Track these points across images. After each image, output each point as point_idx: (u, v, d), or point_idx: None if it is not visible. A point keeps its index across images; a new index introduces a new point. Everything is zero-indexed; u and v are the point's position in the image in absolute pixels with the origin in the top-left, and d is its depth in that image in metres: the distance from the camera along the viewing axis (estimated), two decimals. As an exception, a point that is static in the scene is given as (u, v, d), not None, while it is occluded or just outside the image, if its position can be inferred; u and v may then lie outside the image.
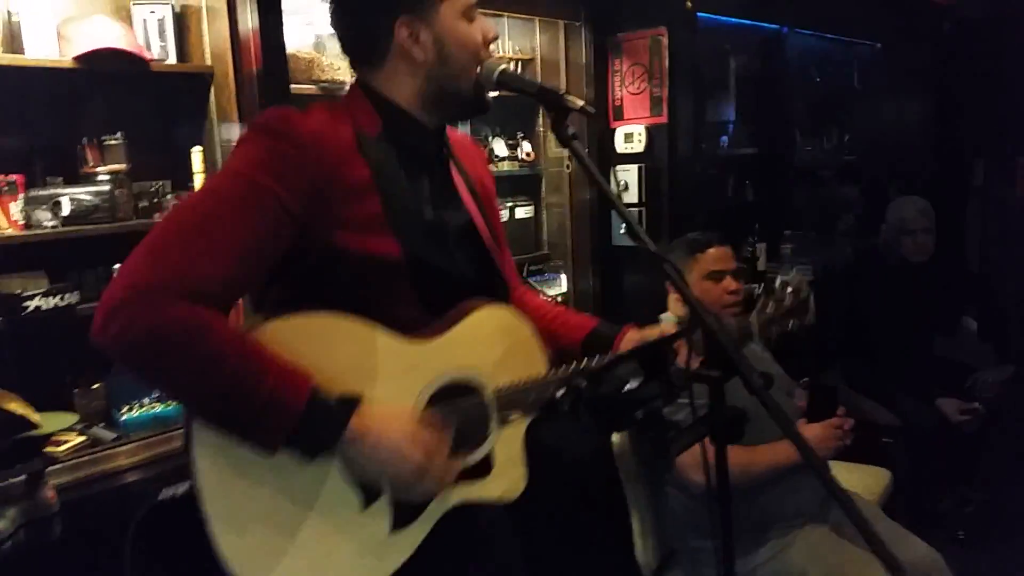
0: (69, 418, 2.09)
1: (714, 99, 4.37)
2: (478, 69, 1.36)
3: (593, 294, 3.58)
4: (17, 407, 1.89)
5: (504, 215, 3.46)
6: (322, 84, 2.63)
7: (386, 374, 1.23)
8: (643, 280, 3.49)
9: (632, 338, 1.43)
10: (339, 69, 2.65)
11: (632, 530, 2.25)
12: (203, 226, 1.13)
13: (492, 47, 1.41)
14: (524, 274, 3.56)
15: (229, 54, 2.36)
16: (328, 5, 1.39)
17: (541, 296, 1.72)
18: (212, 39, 2.43)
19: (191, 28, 2.46)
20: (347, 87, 1.41)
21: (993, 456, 3.68)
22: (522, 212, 3.57)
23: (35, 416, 1.93)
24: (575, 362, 1.36)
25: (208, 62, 2.44)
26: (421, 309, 1.30)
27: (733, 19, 4.01)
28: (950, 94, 5.50)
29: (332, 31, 1.39)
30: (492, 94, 1.40)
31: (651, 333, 1.41)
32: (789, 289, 1.71)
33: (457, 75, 1.34)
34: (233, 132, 2.41)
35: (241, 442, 1.13)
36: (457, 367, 1.30)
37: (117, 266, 2.28)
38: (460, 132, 1.57)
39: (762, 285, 1.83)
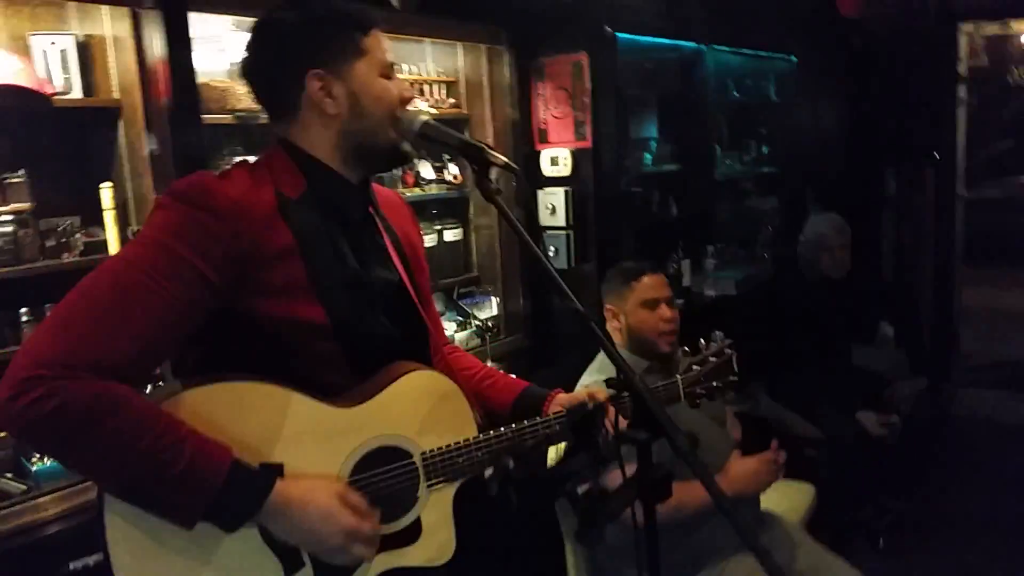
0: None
1: (636, 117, 4.43)
2: (397, 123, 1.35)
3: (523, 316, 3.57)
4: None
5: (432, 238, 3.43)
6: (237, 113, 2.55)
7: (310, 440, 1.22)
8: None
9: (561, 401, 1.45)
10: (256, 98, 2.57)
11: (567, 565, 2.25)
12: (115, 298, 1.10)
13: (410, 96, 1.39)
14: (454, 297, 3.53)
15: (137, 85, 2.27)
16: (241, 54, 1.35)
17: (469, 355, 1.73)
18: (119, 70, 2.33)
19: (96, 59, 2.36)
20: (262, 117, 1.38)
21: (909, 465, 3.84)
22: (450, 235, 3.54)
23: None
24: (503, 427, 1.38)
25: (116, 95, 2.34)
26: (349, 372, 1.29)
27: (653, 38, 4.06)
28: (861, 105, 5.70)
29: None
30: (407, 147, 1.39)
31: (579, 397, 1.43)
32: (712, 352, 1.80)
33: (373, 130, 1.33)
34: (142, 167, 2.32)
35: (158, 517, 1.09)
36: (384, 432, 1.29)
37: (24, 310, 2.17)
38: (386, 188, 1.55)
39: (687, 350, 1.88)
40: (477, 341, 3.39)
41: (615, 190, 3.50)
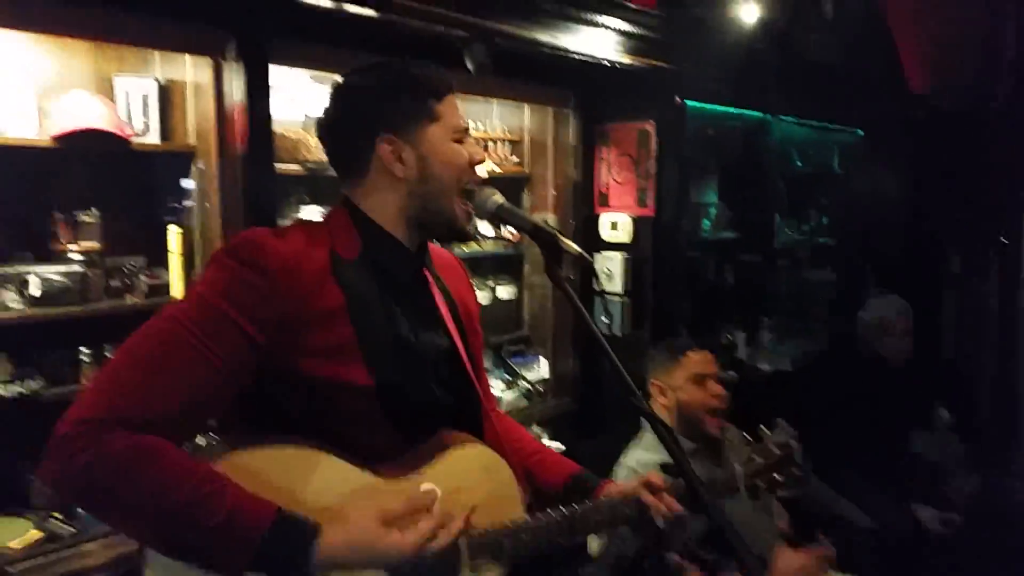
0: (21, 529, 1.96)
1: (696, 181, 4.37)
2: (467, 194, 1.33)
3: (572, 379, 3.51)
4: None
5: (486, 295, 3.41)
6: (308, 165, 2.58)
7: None
8: (620, 362, 3.42)
9: (612, 494, 1.41)
10: (326, 150, 2.59)
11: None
12: (158, 355, 1.08)
13: (479, 164, 1.37)
14: (503, 355, 3.50)
15: (213, 132, 2.31)
16: (319, 112, 1.36)
17: (519, 426, 1.69)
18: (197, 115, 2.37)
19: (175, 103, 2.41)
20: (331, 170, 1.37)
21: (966, 563, 3.64)
22: (504, 292, 3.52)
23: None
24: (553, 512, 1.33)
25: (191, 140, 2.38)
26: (395, 436, 1.26)
27: (718, 106, 4.04)
28: (927, 183, 5.58)
29: (319, 112, 1.36)
30: (481, 224, 1.37)
31: (629, 489, 1.39)
32: (776, 441, 1.73)
33: (439, 194, 1.31)
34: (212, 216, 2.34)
35: (202, 568, 1.06)
36: None
37: (84, 349, 2.19)
38: (443, 248, 1.53)
39: (748, 439, 1.80)
40: (524, 403, 3.34)
41: (674, 259, 3.45)
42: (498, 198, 1.37)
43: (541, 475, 1.51)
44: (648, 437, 2.25)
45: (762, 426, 1.80)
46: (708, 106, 3.89)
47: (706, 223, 4.35)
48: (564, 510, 1.34)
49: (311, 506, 1.13)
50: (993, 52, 5.50)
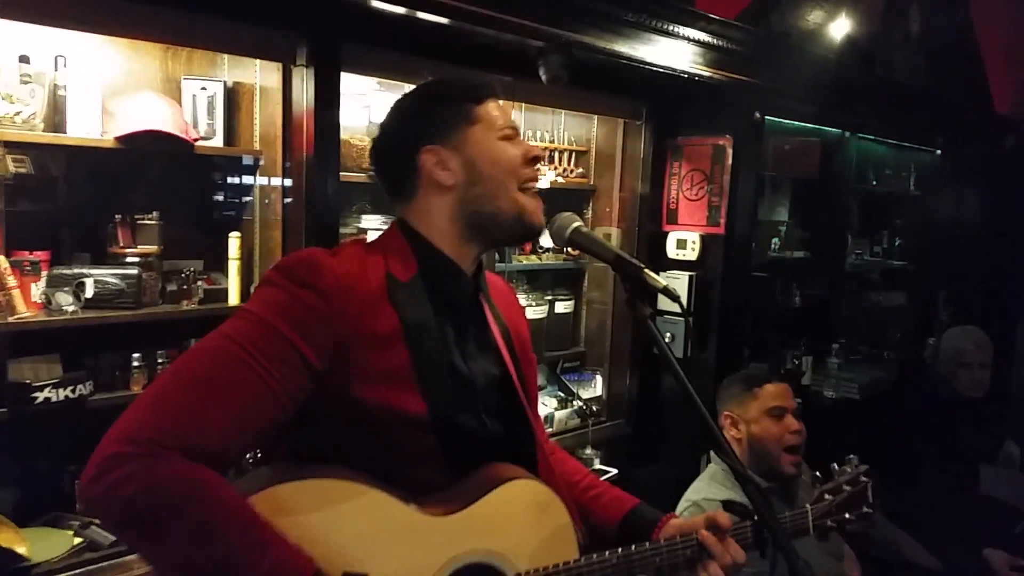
0: (61, 543, 1.93)
1: (768, 199, 4.22)
2: (524, 189, 1.25)
3: (628, 399, 3.40)
4: (4, 537, 1.74)
5: (543, 309, 3.31)
6: (371, 172, 2.50)
7: (400, 550, 1.12)
8: (677, 385, 3.29)
9: (674, 530, 1.31)
10: (390, 158, 2.52)
11: None
12: (212, 375, 1.03)
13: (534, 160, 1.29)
14: (558, 371, 3.40)
15: (279, 138, 2.26)
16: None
17: (571, 459, 1.62)
18: (263, 119, 2.33)
19: (241, 107, 2.37)
20: None
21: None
22: (562, 307, 3.42)
23: (22, 547, 1.78)
24: (609, 552, 1.25)
25: (256, 145, 2.33)
26: (446, 469, 1.20)
27: (795, 122, 3.88)
28: (1008, 209, 5.32)
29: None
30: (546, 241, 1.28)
31: (691, 527, 1.30)
32: (847, 479, 1.63)
33: (492, 195, 1.24)
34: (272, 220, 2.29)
35: None
36: (479, 547, 1.18)
37: (136, 355, 2.16)
38: (495, 275, 1.48)
39: (818, 476, 1.70)
40: (577, 421, 3.24)
41: (742, 280, 3.31)
42: (575, 223, 1.30)
43: (597, 512, 1.43)
44: (717, 471, 2.14)
45: (834, 464, 1.69)
46: (785, 121, 3.74)
47: (775, 241, 4.19)
48: (620, 551, 1.25)
49: (352, 547, 1.08)
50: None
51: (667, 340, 3.22)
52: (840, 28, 3.35)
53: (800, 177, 4.31)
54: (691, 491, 2.14)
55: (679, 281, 3.19)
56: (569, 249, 3.29)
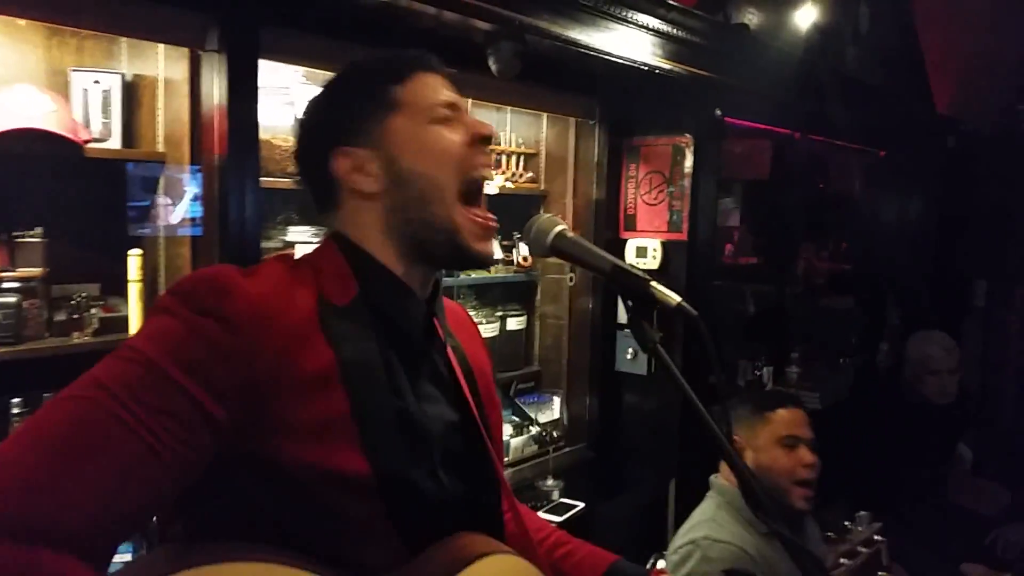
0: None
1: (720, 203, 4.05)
2: (469, 194, 1.01)
3: (589, 420, 3.14)
4: None
5: (494, 327, 3.03)
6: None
7: None
8: (643, 405, 3.08)
9: None
10: (320, 161, 2.21)
11: None
12: (75, 435, 0.78)
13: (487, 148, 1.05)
14: (512, 393, 3.12)
15: (187, 137, 1.93)
16: None
17: (534, 514, 1.37)
18: (167, 116, 2.00)
19: (143, 103, 2.03)
20: None
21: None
22: (513, 323, 3.15)
23: None
24: None
25: (160, 147, 2.00)
26: (396, 542, 0.94)
27: (747, 123, 3.71)
28: (952, 209, 5.31)
29: None
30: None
31: None
32: (861, 541, 1.56)
33: (426, 197, 0.99)
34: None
35: None
36: None
37: (16, 400, 1.79)
38: (453, 303, 1.23)
39: (830, 535, 1.64)
40: (534, 448, 2.96)
41: (707, 289, 3.10)
42: (559, 226, 1.05)
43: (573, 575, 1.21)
44: (721, 503, 1.91)
45: (846, 522, 1.60)
46: (737, 122, 3.56)
47: (728, 247, 4.02)
48: None
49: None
50: (1021, 81, 5.24)
51: (629, 356, 2.98)
52: (796, 20, 3.19)
53: (750, 179, 4.17)
54: (690, 528, 1.91)
55: (640, 292, 2.94)
56: (523, 257, 3.08)
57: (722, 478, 1.97)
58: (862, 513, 1.78)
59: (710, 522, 1.87)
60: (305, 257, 1.02)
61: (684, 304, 0.98)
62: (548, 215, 1.08)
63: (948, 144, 5.36)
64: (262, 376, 0.86)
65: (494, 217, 1.04)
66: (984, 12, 4.93)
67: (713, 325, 3.61)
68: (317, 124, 1.03)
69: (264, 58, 1.91)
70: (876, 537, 1.57)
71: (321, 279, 0.97)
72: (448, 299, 1.20)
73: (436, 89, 1.02)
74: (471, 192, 1.02)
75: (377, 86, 1.01)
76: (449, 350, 1.09)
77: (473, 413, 1.06)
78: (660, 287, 0.98)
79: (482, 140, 1.03)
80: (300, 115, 1.07)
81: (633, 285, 0.98)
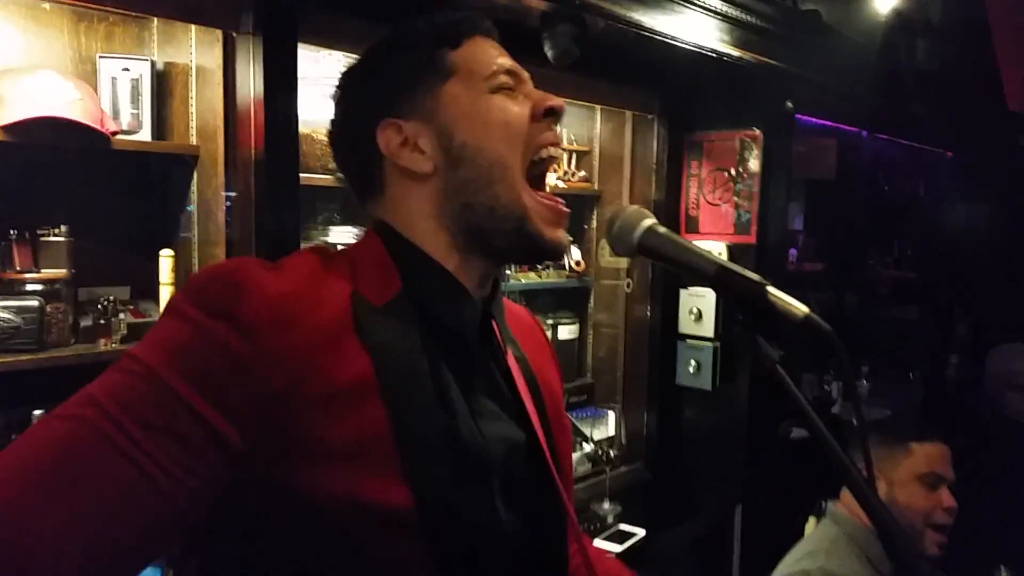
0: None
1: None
2: (535, 176, 0.88)
3: (646, 436, 2.93)
4: None
5: (545, 335, 2.85)
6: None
7: None
8: (706, 422, 2.86)
9: None
10: (364, 156, 2.06)
11: None
12: (60, 463, 0.66)
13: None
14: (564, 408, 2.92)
15: (221, 129, 1.78)
16: None
17: (607, 555, 1.22)
18: (200, 108, 1.85)
19: (174, 92, 1.89)
20: None
21: None
22: (565, 332, 2.96)
23: None
24: None
25: (193, 139, 1.86)
26: None
27: (812, 119, 3.49)
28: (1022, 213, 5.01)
29: None
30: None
31: None
32: None
33: (487, 177, 0.85)
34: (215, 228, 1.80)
35: None
36: None
37: (37, 412, 1.66)
38: (516, 305, 1.07)
39: None
40: (588, 467, 2.76)
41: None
42: (648, 220, 0.88)
43: None
44: (838, 544, 1.71)
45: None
46: (801, 118, 3.35)
47: (792, 252, 3.80)
48: None
49: None
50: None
51: (691, 370, 2.77)
52: (866, 8, 2.97)
53: (815, 180, 3.94)
54: (802, 556, 1.72)
55: (703, 300, 2.74)
56: (576, 261, 2.90)
57: (842, 507, 1.77)
58: (1000, 569, 1.58)
59: (826, 552, 1.68)
60: (344, 250, 0.88)
61: (814, 316, 0.80)
62: (635, 207, 0.90)
63: (1020, 143, 5.06)
64: (283, 389, 0.73)
65: (564, 201, 0.88)
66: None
67: (779, 345, 3.39)
68: (359, 94, 0.90)
69: (303, 42, 1.76)
70: None
71: (359, 274, 0.84)
72: (511, 302, 1.03)
73: (492, 55, 0.88)
74: (538, 174, 0.88)
75: (429, 50, 0.87)
76: (511, 359, 0.93)
77: (537, 433, 0.90)
78: (781, 294, 0.81)
79: (549, 113, 0.88)
80: (337, 83, 0.93)
81: (746, 291, 0.81)
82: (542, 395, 0.96)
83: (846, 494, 1.80)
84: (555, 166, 2.83)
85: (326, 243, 2.15)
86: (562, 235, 0.89)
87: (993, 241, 5.03)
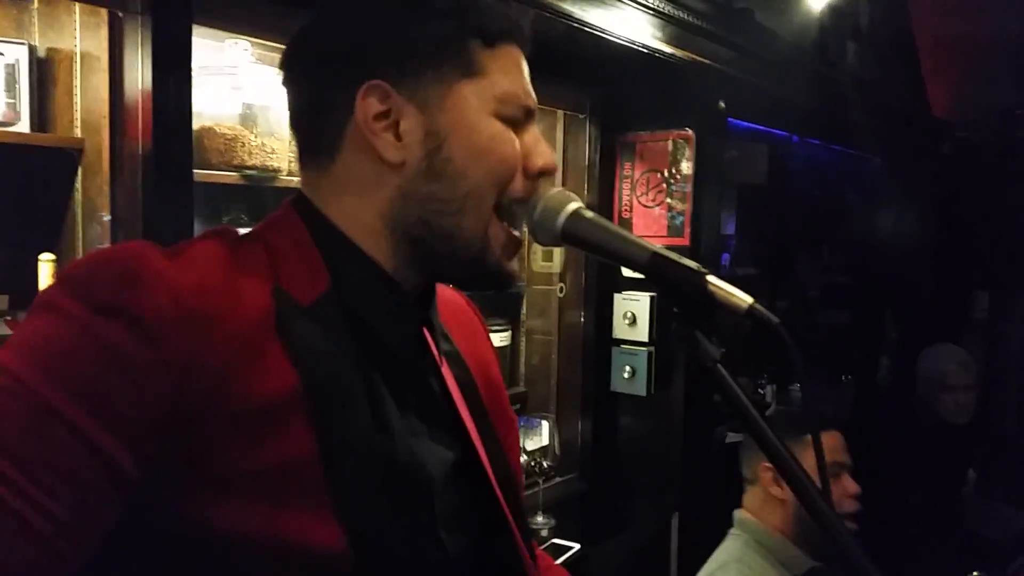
0: None
1: (717, 210, 3.81)
2: (504, 210, 0.79)
3: (581, 445, 2.84)
4: None
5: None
6: (247, 172, 1.88)
7: None
8: (642, 430, 2.79)
9: None
10: (273, 152, 1.91)
11: None
12: None
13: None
14: (494, 418, 2.81)
15: (107, 120, 1.62)
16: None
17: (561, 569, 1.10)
18: (86, 98, 1.68)
19: (58, 80, 1.72)
20: (280, 177, 0.81)
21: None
22: (497, 339, 2.84)
23: None
24: None
25: (78, 132, 1.68)
26: None
27: (744, 123, 3.46)
28: (950, 219, 5.13)
29: (266, 102, 0.94)
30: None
31: None
32: None
33: (457, 203, 0.76)
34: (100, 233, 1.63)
35: None
36: None
37: None
38: (446, 287, 0.95)
39: None
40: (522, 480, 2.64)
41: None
42: (574, 203, 0.79)
43: None
44: (748, 552, 1.67)
45: None
46: (736, 121, 3.32)
47: (725, 258, 3.78)
48: None
49: None
50: (1021, 79, 5.07)
51: (625, 375, 2.69)
52: (798, 9, 2.96)
53: (747, 185, 3.94)
54: (714, 570, 1.68)
55: (637, 304, 2.67)
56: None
57: (748, 514, 1.73)
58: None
59: (738, 564, 1.64)
60: (255, 232, 0.75)
61: (758, 307, 0.72)
62: (558, 189, 0.81)
63: (944, 151, 5.18)
64: (192, 407, 0.62)
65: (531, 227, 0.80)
66: (977, 9, 4.75)
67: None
68: (358, 25, 0.76)
69: (200, 24, 1.61)
70: None
71: (279, 264, 0.72)
72: (441, 285, 0.92)
73: (523, 80, 0.78)
74: (503, 215, 0.79)
75: (461, 33, 0.75)
76: (445, 368, 0.83)
77: (479, 451, 0.82)
78: (723, 283, 0.74)
79: (542, 174, 0.79)
80: (321, 12, 0.79)
81: (684, 281, 0.73)
82: (479, 393, 0.86)
83: (750, 499, 1.76)
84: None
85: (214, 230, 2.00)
86: (516, 265, 0.82)
87: (921, 246, 5.13)
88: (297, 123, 0.79)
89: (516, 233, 0.80)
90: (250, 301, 0.67)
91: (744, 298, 0.72)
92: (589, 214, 0.79)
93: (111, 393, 0.59)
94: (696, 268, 0.73)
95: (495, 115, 0.76)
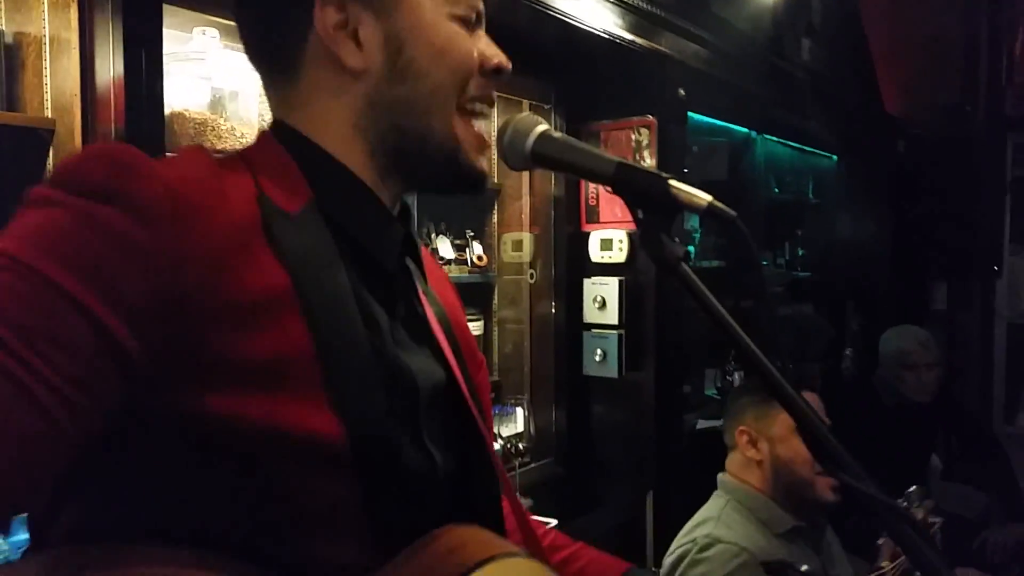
0: None
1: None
2: (468, 112, 0.81)
3: (555, 431, 2.88)
4: None
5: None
6: (216, 155, 1.90)
7: None
8: (615, 412, 2.84)
9: None
10: (243, 136, 1.94)
11: None
12: None
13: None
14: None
15: (78, 99, 1.63)
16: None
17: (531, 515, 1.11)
18: (55, 81, 1.70)
19: (26, 65, 1.73)
20: None
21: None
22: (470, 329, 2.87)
23: None
24: None
25: (48, 113, 1.70)
26: (369, 537, 0.68)
27: (706, 119, 3.55)
28: (907, 214, 5.28)
29: (234, 87, 0.97)
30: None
31: None
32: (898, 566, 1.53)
33: (422, 104, 0.78)
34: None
35: None
36: None
37: None
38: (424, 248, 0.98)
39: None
40: (498, 465, 2.67)
41: (677, 287, 2.88)
42: (541, 126, 0.83)
43: None
44: (728, 511, 1.73)
45: (878, 540, 1.58)
46: (696, 116, 3.40)
47: (690, 250, 3.86)
48: None
49: None
50: (971, 76, 5.25)
51: (597, 359, 2.74)
52: (754, 2, 3.06)
53: (708, 180, 4.02)
54: (693, 527, 1.75)
55: (606, 288, 2.72)
56: (478, 256, 2.83)
57: (730, 476, 1.79)
58: (885, 539, 1.62)
59: (715, 521, 1.70)
60: (235, 152, 0.77)
61: (716, 203, 0.76)
62: (527, 113, 0.86)
63: (898, 148, 5.33)
64: (191, 290, 0.62)
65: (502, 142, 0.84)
66: (926, 7, 4.92)
67: (681, 330, 3.41)
68: None
69: (170, 4, 1.64)
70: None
71: (261, 177, 0.73)
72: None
73: None
74: (467, 113, 0.81)
75: None
76: (422, 294, 0.85)
77: (455, 372, 0.83)
78: (683, 186, 0.77)
79: (496, 72, 0.81)
80: None
81: (648, 186, 0.78)
82: (455, 333, 0.89)
83: (732, 462, 1.82)
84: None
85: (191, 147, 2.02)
86: (485, 163, 0.84)
87: (879, 241, 5.27)
88: (257, 48, 0.81)
89: (480, 130, 0.83)
90: (236, 202, 0.68)
91: (704, 196, 0.76)
92: (557, 134, 0.83)
93: (110, 269, 0.59)
94: (659, 174, 0.78)
95: (449, 16, 0.79)
